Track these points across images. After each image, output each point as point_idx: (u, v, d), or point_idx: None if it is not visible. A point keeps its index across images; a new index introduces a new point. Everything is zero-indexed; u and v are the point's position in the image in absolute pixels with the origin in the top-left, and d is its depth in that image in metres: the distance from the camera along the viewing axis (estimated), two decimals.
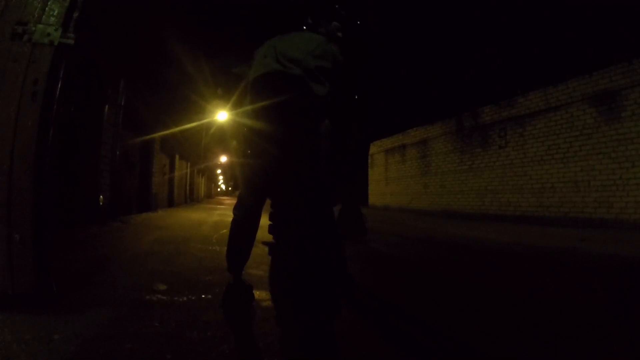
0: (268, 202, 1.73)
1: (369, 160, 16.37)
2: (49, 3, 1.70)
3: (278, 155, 1.44)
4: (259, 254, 3.52)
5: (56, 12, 1.71)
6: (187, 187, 17.04)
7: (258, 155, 1.57)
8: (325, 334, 1.15)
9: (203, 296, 1.95)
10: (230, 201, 29.18)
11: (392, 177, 14.35)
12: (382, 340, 1.50)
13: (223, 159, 25.35)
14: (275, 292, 1.73)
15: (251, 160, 1.60)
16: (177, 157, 13.44)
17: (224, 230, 5.48)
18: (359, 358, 1.33)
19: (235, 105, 1.77)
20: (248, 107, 1.59)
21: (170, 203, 12.54)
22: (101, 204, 5.40)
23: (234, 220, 1.76)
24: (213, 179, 42.48)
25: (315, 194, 1.42)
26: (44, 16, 1.69)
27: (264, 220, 1.75)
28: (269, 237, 1.71)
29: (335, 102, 1.65)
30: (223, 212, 11.17)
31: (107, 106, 5.59)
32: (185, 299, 1.89)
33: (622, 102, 6.43)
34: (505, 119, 8.91)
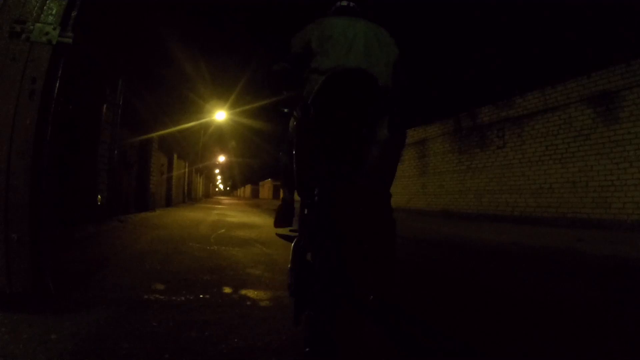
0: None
1: None
2: (47, 2, 1.70)
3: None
4: (258, 253, 3.52)
5: (54, 10, 1.70)
6: (185, 187, 17.00)
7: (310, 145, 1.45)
8: (325, 334, 1.14)
9: (201, 296, 1.94)
10: (228, 201, 29.15)
11: None
12: (382, 340, 1.50)
13: (221, 158, 25.31)
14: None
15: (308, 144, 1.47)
16: (175, 156, 13.41)
17: (222, 230, 5.47)
18: (359, 358, 1.33)
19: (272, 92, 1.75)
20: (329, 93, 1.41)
21: (168, 202, 12.51)
22: (99, 203, 5.39)
23: (283, 198, 1.94)
24: (211, 179, 42.43)
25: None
26: (42, 15, 1.68)
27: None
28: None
29: (399, 99, 1.60)
30: (221, 211, 11.16)
31: (105, 105, 5.57)
32: (183, 298, 1.88)
33: (620, 103, 6.45)
34: (504, 120, 8.92)
